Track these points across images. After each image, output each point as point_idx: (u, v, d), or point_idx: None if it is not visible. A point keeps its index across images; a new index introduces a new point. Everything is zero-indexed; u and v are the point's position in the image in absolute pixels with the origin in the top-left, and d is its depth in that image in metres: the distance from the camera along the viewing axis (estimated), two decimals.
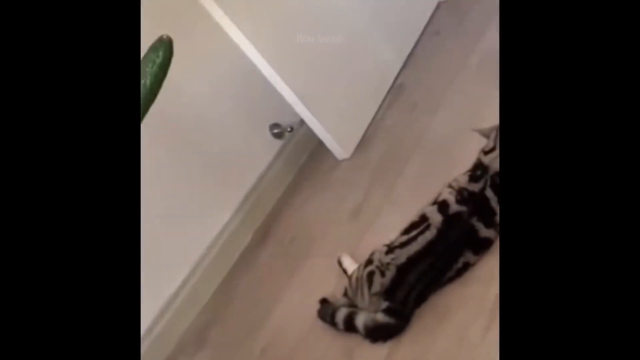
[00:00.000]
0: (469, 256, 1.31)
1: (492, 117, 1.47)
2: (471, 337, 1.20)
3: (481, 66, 1.91)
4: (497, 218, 1.32)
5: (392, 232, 1.42)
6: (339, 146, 2.03)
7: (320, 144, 2.07)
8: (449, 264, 1.31)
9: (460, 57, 2.00)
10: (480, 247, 1.31)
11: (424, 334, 1.27)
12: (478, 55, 1.96)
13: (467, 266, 1.31)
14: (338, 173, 1.99)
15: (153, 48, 0.91)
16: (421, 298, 1.32)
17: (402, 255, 1.33)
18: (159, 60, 0.90)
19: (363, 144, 2.03)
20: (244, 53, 1.85)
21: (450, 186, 1.40)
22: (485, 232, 1.32)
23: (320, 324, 1.47)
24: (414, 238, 1.34)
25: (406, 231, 1.38)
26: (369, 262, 1.38)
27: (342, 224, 1.76)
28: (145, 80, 0.89)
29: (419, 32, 2.28)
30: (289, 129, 2.10)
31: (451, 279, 1.32)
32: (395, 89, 2.13)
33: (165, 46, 0.91)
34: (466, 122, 1.55)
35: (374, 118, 2.08)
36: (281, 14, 1.94)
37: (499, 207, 1.33)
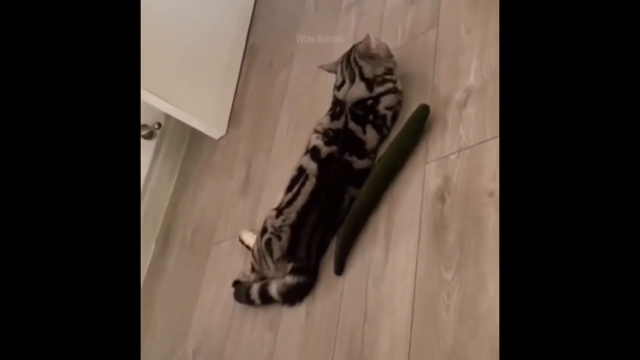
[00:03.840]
0: (352, 191, 1.30)
1: (338, 53, 1.47)
2: (375, 262, 1.21)
3: (318, 5, 1.89)
4: (368, 146, 1.33)
5: (282, 193, 1.40)
6: (212, 127, 1.98)
7: (194, 130, 2.02)
8: (337, 205, 1.30)
9: (298, 2, 1.96)
10: (360, 179, 1.30)
11: (335, 280, 1.27)
12: None
13: (353, 201, 1.31)
14: (219, 152, 1.95)
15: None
16: (322, 247, 1.32)
17: (291, 214, 1.32)
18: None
19: (234, 116, 1.98)
20: None
21: (316, 131, 1.39)
22: (360, 163, 1.32)
23: (240, 306, 1.45)
24: (298, 192, 1.33)
25: (289, 188, 1.36)
26: (264, 230, 1.36)
27: (235, 201, 1.73)
28: None
29: None
30: (156, 126, 2.03)
31: (344, 219, 1.31)
32: (249, 51, 2.09)
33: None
34: (318, 64, 1.53)
35: (237, 88, 2.04)
36: None
37: (366, 135, 1.33)
